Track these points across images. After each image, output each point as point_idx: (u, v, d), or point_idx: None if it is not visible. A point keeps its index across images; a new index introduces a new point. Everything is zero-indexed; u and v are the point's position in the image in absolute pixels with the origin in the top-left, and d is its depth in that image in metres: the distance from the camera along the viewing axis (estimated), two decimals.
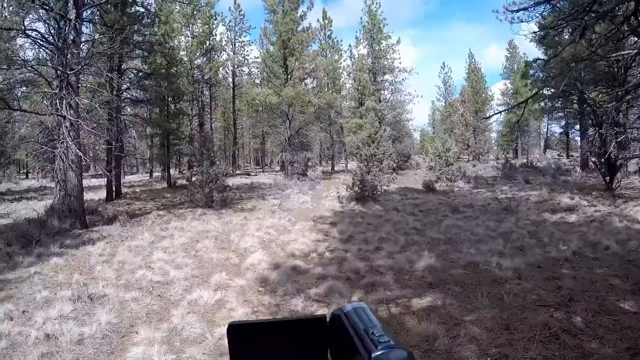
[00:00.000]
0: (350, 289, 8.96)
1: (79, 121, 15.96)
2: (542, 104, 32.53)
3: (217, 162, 22.64)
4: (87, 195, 21.28)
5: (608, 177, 22.04)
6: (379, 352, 0.81)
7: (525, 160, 46.93)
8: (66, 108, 15.55)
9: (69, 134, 15.44)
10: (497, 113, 42.01)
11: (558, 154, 54.42)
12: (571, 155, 49.22)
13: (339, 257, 11.77)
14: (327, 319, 1.00)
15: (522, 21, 18.51)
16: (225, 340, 0.97)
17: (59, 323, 7.06)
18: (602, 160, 21.75)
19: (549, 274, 9.35)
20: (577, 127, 40.59)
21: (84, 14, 17.71)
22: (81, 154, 16.29)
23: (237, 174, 41.90)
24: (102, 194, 24.24)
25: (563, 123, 47.69)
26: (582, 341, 5.96)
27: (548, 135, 62.77)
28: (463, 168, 35.83)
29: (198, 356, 6.16)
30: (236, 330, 0.95)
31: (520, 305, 7.46)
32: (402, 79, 45.37)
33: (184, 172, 43.75)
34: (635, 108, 13.15)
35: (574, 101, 31.80)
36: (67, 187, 15.89)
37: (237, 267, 11.26)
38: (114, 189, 24.34)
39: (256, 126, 52.47)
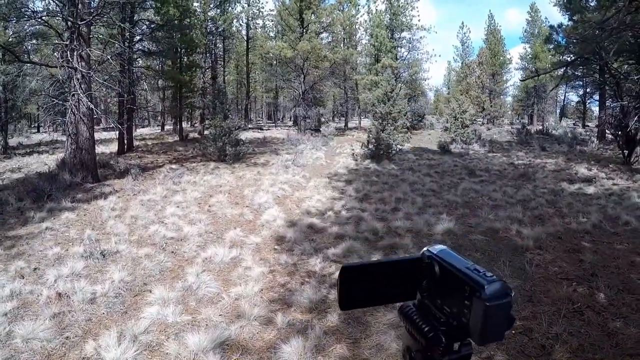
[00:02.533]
0: (369, 250, 8.73)
1: (91, 73, 15.67)
2: (562, 70, 31.85)
3: (230, 116, 22.33)
4: (99, 149, 21.15)
5: (627, 151, 21.46)
6: (490, 285, 0.94)
7: (540, 127, 46.32)
8: (77, 60, 15.23)
9: (80, 86, 15.15)
10: (533, 76, 41.19)
11: (574, 123, 53.85)
12: (587, 125, 48.59)
13: (356, 216, 11.54)
14: (423, 259, 1.10)
15: None
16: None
17: (71, 281, 6.87)
18: (621, 133, 21.27)
19: (569, 245, 9.07)
20: (596, 97, 39.79)
21: None
22: (93, 107, 16.01)
23: (250, 128, 41.65)
24: (114, 147, 24.11)
25: (581, 92, 46.98)
26: (606, 319, 5.74)
27: (565, 103, 61.96)
28: (478, 131, 35.49)
29: (214, 317, 5.93)
30: (346, 272, 1.04)
31: (542, 277, 7.23)
32: (420, 37, 44.73)
33: (196, 125, 43.64)
34: None
35: (596, 70, 30.99)
36: (79, 141, 15.68)
37: (252, 223, 11.05)
38: (125, 142, 24.16)
39: (269, 80, 52.05)
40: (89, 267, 7.71)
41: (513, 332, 5.42)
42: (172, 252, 8.72)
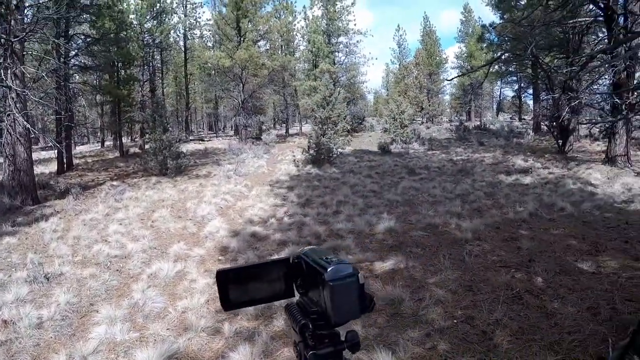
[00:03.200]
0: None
1: (26, 91, 15.40)
2: (497, 67, 32.79)
3: (170, 129, 22.26)
4: (38, 169, 20.81)
5: (561, 141, 22.50)
6: (332, 267, 1.04)
7: (478, 123, 47.48)
8: (11, 78, 14.96)
9: (15, 105, 14.88)
10: (460, 75, 42.29)
11: (510, 117, 55.59)
12: (523, 119, 50.24)
13: (298, 221, 11.82)
14: (290, 259, 1.22)
15: None
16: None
17: (16, 307, 6.88)
18: (555, 124, 22.17)
19: (507, 235, 9.54)
20: (530, 91, 41.22)
21: None
22: (29, 126, 15.76)
23: (191, 140, 41.34)
24: (53, 167, 23.66)
25: (516, 87, 48.54)
26: (544, 301, 6.08)
27: (501, 98, 63.74)
28: (417, 130, 36.17)
29: (162, 332, 6.08)
30: (221, 275, 1.16)
31: (482, 267, 7.59)
32: (357, 41, 45.46)
33: (136, 140, 43.01)
34: (588, 74, 13.50)
35: (528, 66, 32.09)
36: (16, 162, 15.39)
37: (196, 236, 11.20)
38: (65, 160, 23.71)
39: (209, 90, 51.65)
40: (34, 291, 7.73)
41: (455, 320, 5.73)
42: (117, 270, 8.80)
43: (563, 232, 9.55)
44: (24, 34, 15.57)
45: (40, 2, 17.90)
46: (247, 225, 11.82)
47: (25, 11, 16.76)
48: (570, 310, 5.75)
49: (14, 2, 15.22)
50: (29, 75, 16.80)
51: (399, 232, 10.22)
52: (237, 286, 1.18)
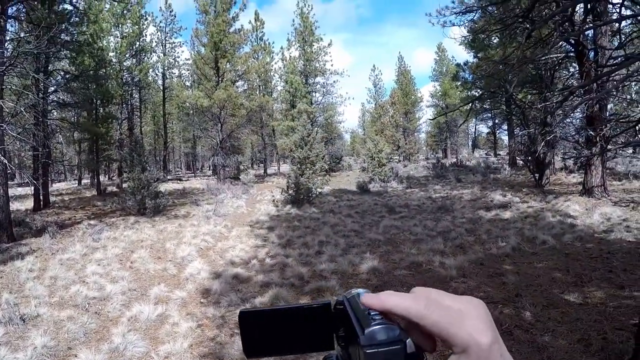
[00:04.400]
0: (296, 296, 8.88)
1: (3, 126, 15.20)
2: (471, 105, 33.37)
3: (149, 168, 22.05)
4: (14, 206, 20.43)
5: (537, 175, 22.78)
6: (371, 329, 0.79)
7: (455, 160, 48.13)
8: None
9: None
10: (441, 114, 43.02)
11: (486, 153, 56.39)
12: (499, 154, 51.03)
13: (281, 262, 11.67)
14: (332, 305, 0.96)
15: (453, 25, 19.02)
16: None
17: None
18: (531, 158, 22.46)
19: (492, 270, 9.56)
20: (505, 126, 41.94)
21: (9, 10, 17.01)
22: (6, 162, 15.50)
23: (169, 180, 41.10)
24: (30, 204, 23.25)
25: (491, 123, 49.38)
26: (534, 335, 6.09)
27: (476, 135, 64.88)
28: (395, 168, 36.40)
29: None
30: (245, 318, 0.92)
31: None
32: (334, 81, 46.03)
33: (114, 178, 42.71)
34: (562, 108, 13.79)
35: (502, 102, 32.66)
36: None
37: (176, 277, 10.99)
38: (41, 198, 23.30)
39: (187, 130, 51.79)
40: (9, 333, 7.47)
41: None
42: (96, 312, 8.57)
43: (547, 265, 9.63)
44: (4, 67, 15.45)
45: (21, 36, 17.85)
46: (228, 267, 11.64)
47: (6, 44, 16.67)
48: (562, 343, 5.74)
49: None
50: (7, 110, 16.60)
51: (383, 271, 10.19)
52: (264, 331, 0.97)
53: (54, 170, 41.06)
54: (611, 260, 9.65)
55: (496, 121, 46.99)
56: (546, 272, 9.14)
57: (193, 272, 11.07)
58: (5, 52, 16.22)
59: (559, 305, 7.12)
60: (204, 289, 9.79)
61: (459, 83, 33.67)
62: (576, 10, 15.43)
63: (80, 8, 24.69)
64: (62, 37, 22.33)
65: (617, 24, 12.29)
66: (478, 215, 17.44)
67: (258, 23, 46.97)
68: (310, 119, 37.08)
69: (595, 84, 13.57)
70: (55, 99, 25.19)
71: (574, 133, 18.81)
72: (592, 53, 17.10)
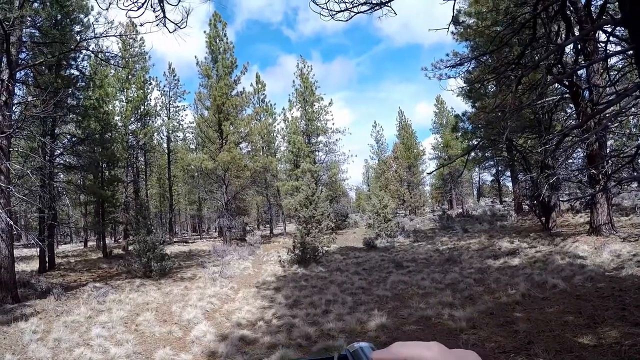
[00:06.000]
0: (303, 357, 8.70)
1: (10, 188, 15.24)
2: (473, 154, 33.54)
3: (154, 230, 22.03)
4: (19, 267, 20.40)
5: (544, 218, 22.72)
6: None
7: (460, 210, 48.23)
8: None
9: None
10: (439, 167, 43.31)
11: (492, 201, 56.66)
12: (504, 201, 51.26)
13: (287, 323, 11.51)
14: (335, 358, 0.93)
15: (449, 77, 19.33)
16: None
17: None
18: (536, 202, 22.43)
19: (502, 319, 9.41)
20: (508, 173, 42.01)
21: (18, 74, 17.33)
22: (12, 223, 15.46)
23: (175, 242, 41.06)
24: (35, 265, 23.23)
25: (494, 171, 49.49)
26: None
27: (480, 183, 65.11)
28: (401, 223, 36.34)
29: None
30: None
31: (480, 355, 7.36)
32: (336, 140, 46.19)
33: (120, 241, 42.66)
34: (562, 150, 13.84)
35: (503, 149, 32.80)
36: None
37: (182, 340, 10.84)
38: (47, 259, 23.28)
39: (192, 192, 52.01)
40: None
41: None
42: None
43: (558, 309, 9.47)
44: (11, 130, 15.63)
45: (29, 100, 18.14)
46: (234, 329, 11.48)
47: (14, 108, 16.93)
48: None
49: (3, 99, 15.37)
50: (13, 172, 16.73)
51: (392, 328, 10.03)
52: None
53: (60, 232, 41.05)
54: (624, 297, 9.52)
55: (499, 168, 47.05)
56: (558, 316, 8.99)
57: (199, 334, 10.92)
58: (13, 115, 16.47)
59: (572, 350, 6.97)
60: (210, 351, 9.65)
61: (459, 133, 33.86)
62: (566, 52, 15.65)
63: (86, 73, 25.28)
64: (68, 101, 22.81)
65: (607, 62, 12.48)
66: (486, 264, 17.32)
67: (259, 85, 47.71)
68: (314, 178, 37.31)
69: (592, 122, 13.67)
70: (61, 161, 25.48)
71: (576, 173, 18.85)
72: (587, 92, 17.29)
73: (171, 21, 5.88)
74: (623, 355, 6.37)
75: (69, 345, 10.31)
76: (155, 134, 43.97)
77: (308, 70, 45.22)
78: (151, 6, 5.58)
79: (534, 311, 9.71)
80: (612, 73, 12.92)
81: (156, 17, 5.75)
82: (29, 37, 18.50)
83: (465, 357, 0.74)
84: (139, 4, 5.43)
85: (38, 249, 21.67)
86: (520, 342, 7.77)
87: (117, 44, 33.51)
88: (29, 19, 17.48)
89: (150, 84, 41.50)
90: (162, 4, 5.62)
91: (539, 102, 17.54)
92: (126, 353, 9.58)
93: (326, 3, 7.79)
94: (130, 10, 5.41)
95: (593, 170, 16.09)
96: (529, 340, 7.74)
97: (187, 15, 5.83)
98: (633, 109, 10.79)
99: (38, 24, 18.57)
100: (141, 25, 5.68)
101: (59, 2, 19.31)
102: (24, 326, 11.94)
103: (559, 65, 12.85)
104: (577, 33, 13.80)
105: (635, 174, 12.16)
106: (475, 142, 27.91)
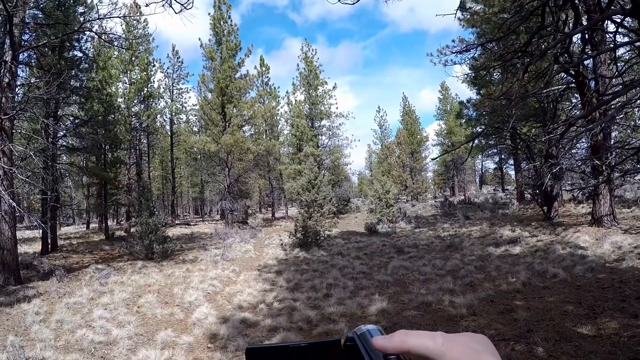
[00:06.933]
0: (304, 340, 8.72)
1: (13, 169, 15.21)
2: (477, 141, 33.47)
3: (156, 213, 22.05)
4: (22, 248, 20.45)
5: (545, 207, 22.74)
6: None
7: (462, 197, 48.22)
8: (0, 155, 14.89)
9: (2, 183, 14.69)
10: (443, 154, 43.39)
11: (494, 189, 56.63)
12: (506, 189, 51.26)
13: (289, 306, 11.54)
14: (342, 342, 0.89)
15: (455, 63, 19.21)
16: None
17: None
18: (538, 191, 22.40)
19: (502, 307, 9.45)
20: (511, 161, 42.02)
21: (21, 56, 17.26)
22: (15, 205, 15.45)
23: (177, 224, 41.16)
24: (37, 247, 23.30)
25: (497, 159, 49.48)
26: None
27: (483, 171, 65.19)
28: (403, 208, 36.35)
29: None
30: (252, 355, 0.88)
31: None
32: (339, 124, 46.39)
33: (122, 223, 42.74)
34: (566, 139, 13.75)
35: (507, 137, 32.71)
36: (0, 240, 15.05)
37: (183, 322, 10.87)
38: (49, 241, 23.33)
39: (195, 174, 52.11)
40: None
41: None
42: (102, 357, 8.47)
43: (558, 299, 9.52)
44: (14, 112, 15.61)
45: (32, 81, 18.10)
46: (236, 311, 11.51)
47: (17, 89, 16.89)
48: None
49: (6, 81, 15.31)
50: (16, 154, 16.70)
51: (392, 313, 10.07)
52: None
53: (63, 214, 41.22)
54: (623, 289, 9.57)
55: (502, 156, 47.04)
56: (558, 305, 9.05)
57: (200, 316, 10.94)
58: (16, 97, 16.43)
59: (571, 339, 7.01)
60: (212, 333, 9.68)
61: (463, 120, 33.81)
62: (574, 41, 15.58)
63: (90, 55, 25.21)
64: (71, 83, 22.74)
65: (615, 53, 12.41)
66: (487, 252, 17.33)
67: (263, 68, 47.52)
68: (317, 162, 37.30)
69: (597, 113, 13.63)
70: (64, 143, 25.45)
71: (580, 163, 18.80)
72: (593, 83, 17.21)
73: (177, 1, 5.86)
74: (622, 346, 6.41)
75: (71, 326, 10.34)
76: (159, 116, 43.95)
77: (313, 53, 45.25)
78: None
79: (534, 300, 9.75)
80: (619, 64, 12.86)
81: None
82: (32, 19, 18.41)
83: (473, 342, 0.70)
84: None
85: (41, 231, 21.76)
86: (520, 330, 7.81)
87: (121, 25, 33.26)
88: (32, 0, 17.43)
89: (154, 66, 41.44)
90: None
91: (545, 91, 17.46)
92: (128, 334, 9.62)
93: None
94: None
95: (597, 161, 16.04)
96: (528, 328, 7.78)
97: None
98: (639, 100, 10.74)
99: (41, 5, 18.55)
100: (147, 5, 5.65)
101: None
102: (27, 307, 11.99)
103: (566, 55, 12.80)
104: (585, 22, 13.73)
105: (639, 166, 12.14)
106: (480, 130, 27.90)
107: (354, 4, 8.17)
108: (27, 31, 18.14)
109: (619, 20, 9.51)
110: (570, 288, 10.39)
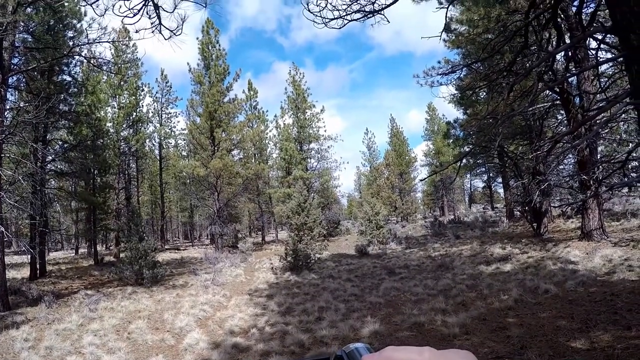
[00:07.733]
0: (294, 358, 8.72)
1: (1, 194, 15.19)
2: (465, 161, 33.63)
3: (146, 238, 21.95)
4: (10, 274, 20.27)
5: (535, 224, 22.79)
6: None
7: (452, 217, 48.39)
8: None
9: None
10: (432, 174, 43.60)
11: (483, 207, 56.99)
12: (496, 207, 51.54)
13: (280, 330, 11.52)
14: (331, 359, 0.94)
15: (441, 84, 19.41)
16: None
17: None
18: (527, 208, 22.51)
19: (495, 324, 9.47)
20: (500, 179, 42.24)
21: (10, 80, 17.27)
22: (3, 229, 15.36)
23: (166, 249, 40.99)
24: (26, 272, 23.10)
25: (485, 177, 49.83)
26: None
27: (472, 190, 65.55)
28: (393, 230, 36.37)
29: None
30: None
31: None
32: (328, 147, 46.23)
33: (111, 248, 42.49)
34: (553, 156, 13.90)
35: (495, 156, 32.94)
36: None
37: (174, 348, 10.80)
38: (38, 266, 23.11)
39: (184, 199, 51.88)
40: None
41: None
42: None
43: (551, 314, 9.57)
44: (3, 136, 15.59)
45: (21, 105, 18.08)
46: (227, 337, 11.45)
47: (6, 113, 16.85)
48: None
49: None
50: (5, 178, 16.62)
51: (385, 334, 10.06)
52: None
53: (51, 239, 40.75)
54: (615, 301, 9.62)
55: (490, 175, 47.32)
56: (550, 321, 9.07)
57: (191, 342, 10.87)
58: (5, 120, 16.39)
59: (565, 354, 7.03)
60: (203, 359, 9.61)
61: (451, 140, 33.96)
62: (557, 59, 15.77)
63: (79, 79, 25.21)
64: (60, 107, 22.72)
65: (597, 69, 12.59)
66: (478, 270, 17.35)
67: (252, 92, 47.56)
68: (306, 185, 37.38)
69: (583, 129, 13.77)
70: (53, 168, 25.36)
71: (567, 179, 18.95)
72: (578, 99, 17.43)
73: (167, 28, 5.87)
74: (616, 358, 6.44)
75: (60, 353, 10.25)
76: (147, 140, 43.97)
77: (300, 77, 45.37)
78: (147, 13, 5.58)
79: (526, 316, 9.77)
80: (602, 80, 13.06)
81: (152, 24, 5.75)
82: (22, 42, 18.51)
83: (459, 357, 0.71)
84: (135, 11, 5.43)
85: (29, 256, 21.54)
86: (514, 347, 7.82)
87: (110, 50, 33.27)
88: (22, 24, 17.47)
89: (143, 90, 41.40)
90: (158, 11, 5.62)
91: (530, 109, 17.64)
92: None
93: (320, 11, 7.83)
94: (126, 17, 5.41)
95: (584, 176, 16.20)
96: (522, 345, 7.79)
97: (183, 22, 5.83)
98: (623, 115, 10.87)
99: (31, 29, 18.59)
100: (137, 32, 5.66)
101: (52, 8, 19.23)
102: (16, 334, 11.88)
103: (550, 73, 12.97)
104: (568, 41, 13.94)
105: (625, 179, 12.27)
106: (467, 149, 28.03)
107: (340, 28, 8.25)
108: (17, 55, 18.21)
109: (600, 38, 9.65)
110: (562, 303, 10.43)
